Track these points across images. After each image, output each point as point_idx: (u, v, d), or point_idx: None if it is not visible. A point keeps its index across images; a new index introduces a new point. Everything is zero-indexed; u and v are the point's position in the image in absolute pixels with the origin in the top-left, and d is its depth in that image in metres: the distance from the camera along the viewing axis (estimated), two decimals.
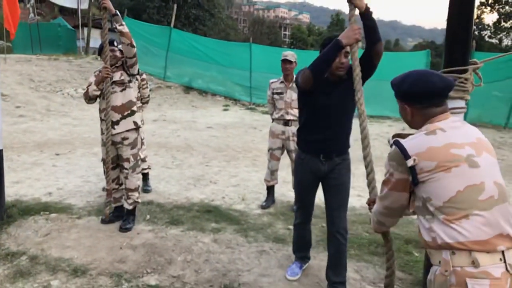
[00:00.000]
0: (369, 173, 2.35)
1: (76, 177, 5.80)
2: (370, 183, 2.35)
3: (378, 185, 5.93)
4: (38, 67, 14.80)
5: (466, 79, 2.80)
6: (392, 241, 2.24)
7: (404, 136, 1.82)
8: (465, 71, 2.76)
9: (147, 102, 5.66)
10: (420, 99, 1.77)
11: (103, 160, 4.25)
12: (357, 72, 2.50)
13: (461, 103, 2.81)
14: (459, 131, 1.73)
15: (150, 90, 6.16)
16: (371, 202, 2.25)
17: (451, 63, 2.80)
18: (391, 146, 1.78)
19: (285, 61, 4.85)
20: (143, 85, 5.50)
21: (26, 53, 17.87)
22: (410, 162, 1.67)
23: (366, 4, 2.58)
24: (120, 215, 4.25)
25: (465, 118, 2.81)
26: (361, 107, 2.45)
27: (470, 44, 2.87)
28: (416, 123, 1.83)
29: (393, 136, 1.87)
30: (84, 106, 12.48)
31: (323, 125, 2.95)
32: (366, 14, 2.58)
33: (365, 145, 2.41)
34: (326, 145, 3.01)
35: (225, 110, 13.89)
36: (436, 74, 1.81)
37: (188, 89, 15.50)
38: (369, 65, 2.71)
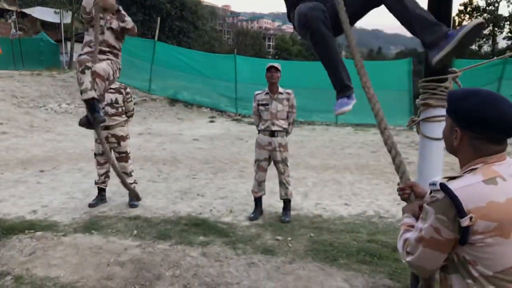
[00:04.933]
0: (395, 157, 2.05)
1: (61, 194, 5.72)
2: (399, 168, 2.01)
3: (364, 193, 5.96)
4: (20, 83, 14.63)
5: (446, 88, 2.86)
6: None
7: (448, 178, 1.42)
8: (444, 80, 2.82)
9: (131, 116, 5.63)
10: (479, 125, 1.39)
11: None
12: (358, 57, 2.25)
13: (443, 111, 2.86)
14: None
15: (134, 104, 6.14)
16: (406, 187, 1.80)
17: (431, 73, 2.86)
18: (433, 191, 1.39)
19: (271, 69, 4.89)
20: (127, 98, 5.49)
21: (8, 69, 17.68)
22: (465, 222, 1.29)
23: None
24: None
25: None
26: (370, 91, 2.23)
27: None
28: (461, 153, 1.48)
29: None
30: (68, 121, 12.36)
31: None
32: None
33: (383, 128, 2.13)
34: None
35: (211, 121, 13.89)
36: (508, 102, 1.40)
37: (173, 101, 15.47)
38: None
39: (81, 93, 3.65)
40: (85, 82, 3.59)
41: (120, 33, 4.06)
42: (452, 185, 1.33)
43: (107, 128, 5.27)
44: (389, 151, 2.08)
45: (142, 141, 9.88)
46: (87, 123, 3.79)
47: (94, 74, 3.65)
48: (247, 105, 14.46)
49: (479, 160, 1.41)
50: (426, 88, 2.61)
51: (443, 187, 1.34)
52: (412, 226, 1.57)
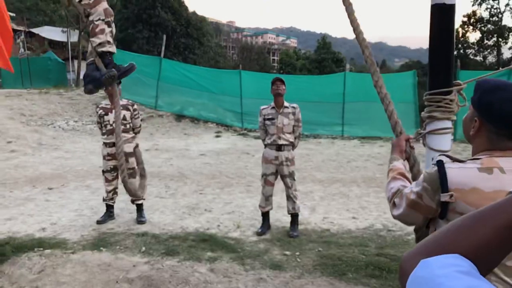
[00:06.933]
0: (413, 166, 1.97)
1: (70, 211, 5.76)
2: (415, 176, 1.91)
3: (372, 206, 5.91)
4: (29, 101, 14.82)
5: (451, 100, 2.87)
6: None
7: (453, 158, 1.46)
8: (449, 92, 2.84)
9: (138, 132, 5.68)
10: (501, 121, 1.38)
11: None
12: (367, 54, 2.20)
13: (448, 124, 2.88)
14: None
15: (141, 120, 6.20)
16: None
17: (435, 85, 2.88)
18: (432, 165, 1.47)
19: (276, 82, 4.94)
20: (135, 115, 5.55)
21: (16, 88, 17.93)
22: (444, 197, 1.37)
23: None
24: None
25: (454, 137, 2.87)
26: (382, 90, 2.17)
27: (453, 66, 2.95)
28: (475, 142, 1.49)
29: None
30: (76, 138, 12.47)
31: None
32: None
33: (398, 132, 2.09)
34: None
35: (217, 136, 13.94)
36: None
37: (180, 117, 15.57)
38: None
39: (99, 45, 3.09)
40: (106, 33, 3.08)
41: None
42: (448, 164, 1.39)
43: (114, 144, 5.32)
44: (407, 159, 1.99)
45: (149, 157, 9.92)
46: (98, 82, 3.17)
47: (111, 26, 3.21)
48: (253, 119, 14.52)
49: (486, 152, 1.41)
50: (431, 101, 2.63)
51: (439, 163, 1.41)
52: (401, 174, 1.69)
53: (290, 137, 4.98)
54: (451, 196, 1.35)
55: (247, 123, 15.23)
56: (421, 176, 1.50)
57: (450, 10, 2.72)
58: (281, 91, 4.95)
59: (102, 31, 3.02)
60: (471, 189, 1.34)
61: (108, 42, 3.06)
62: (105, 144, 5.39)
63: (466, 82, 2.97)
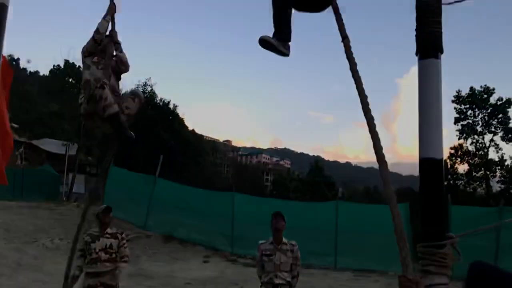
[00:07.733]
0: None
1: None
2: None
3: None
4: (17, 216, 14.53)
5: (445, 254, 2.82)
6: None
7: None
8: (443, 246, 2.80)
9: (125, 262, 5.45)
10: None
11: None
12: (389, 190, 2.14)
13: (444, 279, 2.78)
14: None
15: (128, 241, 6.00)
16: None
17: (428, 238, 2.84)
18: None
19: (277, 216, 4.93)
20: (123, 244, 5.41)
21: (6, 198, 17.69)
22: None
23: None
24: None
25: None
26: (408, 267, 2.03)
27: (445, 219, 2.95)
28: None
29: None
30: (59, 258, 11.92)
31: None
32: None
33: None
34: None
35: (205, 262, 13.43)
36: None
37: (168, 238, 15.17)
38: None
39: (104, 109, 3.29)
40: (108, 97, 3.28)
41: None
42: None
43: (97, 275, 5.07)
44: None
45: (132, 285, 9.39)
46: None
47: (138, 98, 3.60)
48: (243, 243, 14.20)
49: None
50: (425, 254, 2.57)
51: None
52: None
53: (287, 276, 4.80)
54: None
55: (238, 247, 14.83)
56: None
57: (438, 164, 2.78)
58: (281, 227, 4.93)
59: (101, 97, 3.28)
60: None
61: (107, 105, 3.29)
62: (87, 274, 5.14)
63: (459, 236, 2.93)
